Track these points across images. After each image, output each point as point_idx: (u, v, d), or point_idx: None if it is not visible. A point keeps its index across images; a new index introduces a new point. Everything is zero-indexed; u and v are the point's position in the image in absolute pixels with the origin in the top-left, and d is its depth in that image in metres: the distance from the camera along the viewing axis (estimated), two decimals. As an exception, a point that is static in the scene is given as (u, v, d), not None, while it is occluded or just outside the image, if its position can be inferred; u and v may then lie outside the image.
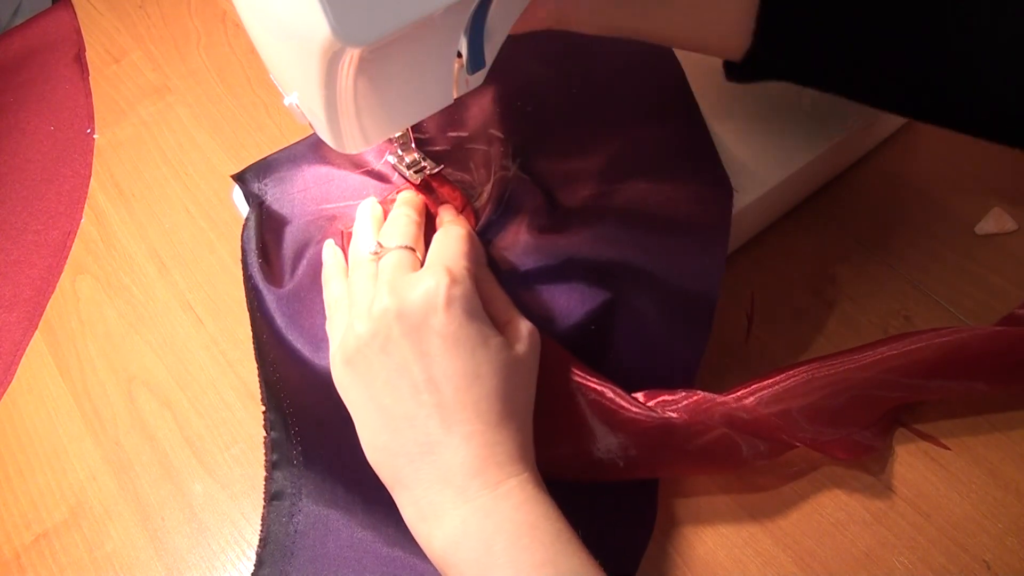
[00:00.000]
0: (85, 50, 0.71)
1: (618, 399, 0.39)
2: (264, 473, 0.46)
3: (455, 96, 0.38)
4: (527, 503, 0.33)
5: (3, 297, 0.57)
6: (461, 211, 0.44)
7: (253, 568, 0.43)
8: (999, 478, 0.42)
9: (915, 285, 0.49)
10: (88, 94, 0.68)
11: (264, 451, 0.46)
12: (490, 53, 0.36)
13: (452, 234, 0.39)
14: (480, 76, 0.37)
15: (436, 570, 0.39)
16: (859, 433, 0.42)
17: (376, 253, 0.39)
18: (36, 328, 0.55)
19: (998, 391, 0.43)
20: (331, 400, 0.40)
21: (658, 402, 0.40)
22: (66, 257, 0.58)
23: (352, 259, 0.41)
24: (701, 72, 0.49)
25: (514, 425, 0.35)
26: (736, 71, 0.42)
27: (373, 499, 0.43)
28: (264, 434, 0.46)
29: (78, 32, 0.72)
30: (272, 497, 0.44)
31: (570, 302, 0.41)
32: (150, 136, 0.64)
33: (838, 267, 0.51)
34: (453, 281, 0.35)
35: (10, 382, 0.53)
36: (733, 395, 0.41)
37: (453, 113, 0.48)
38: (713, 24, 0.39)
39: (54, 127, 0.66)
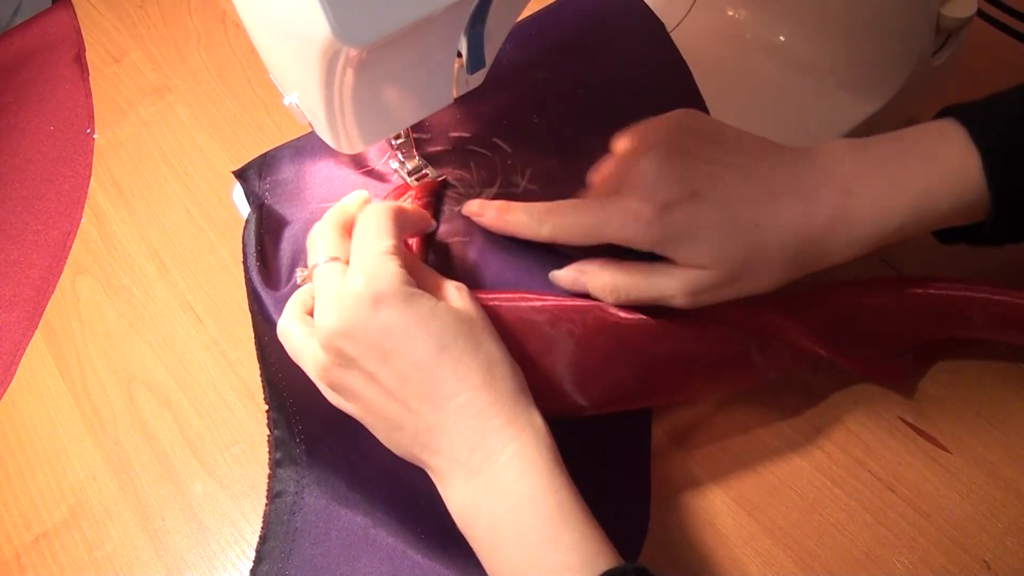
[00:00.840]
0: (85, 50, 0.71)
1: (606, 308, 0.38)
2: (264, 473, 0.46)
3: (455, 96, 0.37)
4: (527, 474, 0.33)
5: (3, 297, 0.57)
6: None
7: (252, 564, 0.43)
8: (999, 478, 0.42)
9: (915, 285, 0.49)
10: (88, 94, 0.68)
11: (268, 449, 0.46)
12: (490, 53, 0.36)
13: (363, 219, 0.37)
14: (480, 76, 0.37)
15: (439, 566, 0.39)
16: (887, 356, 0.41)
17: (303, 279, 0.38)
18: (36, 328, 0.55)
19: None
20: None
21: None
22: (66, 257, 0.58)
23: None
24: (704, 70, 0.49)
25: (498, 376, 0.34)
26: (969, 235, 0.39)
27: (376, 496, 0.43)
28: (268, 432, 0.46)
29: (78, 32, 0.72)
30: (275, 495, 0.44)
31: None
32: (150, 136, 0.64)
33: (838, 267, 0.51)
34: (370, 278, 0.34)
35: (10, 382, 0.53)
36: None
37: (455, 114, 0.48)
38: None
39: (54, 127, 0.66)
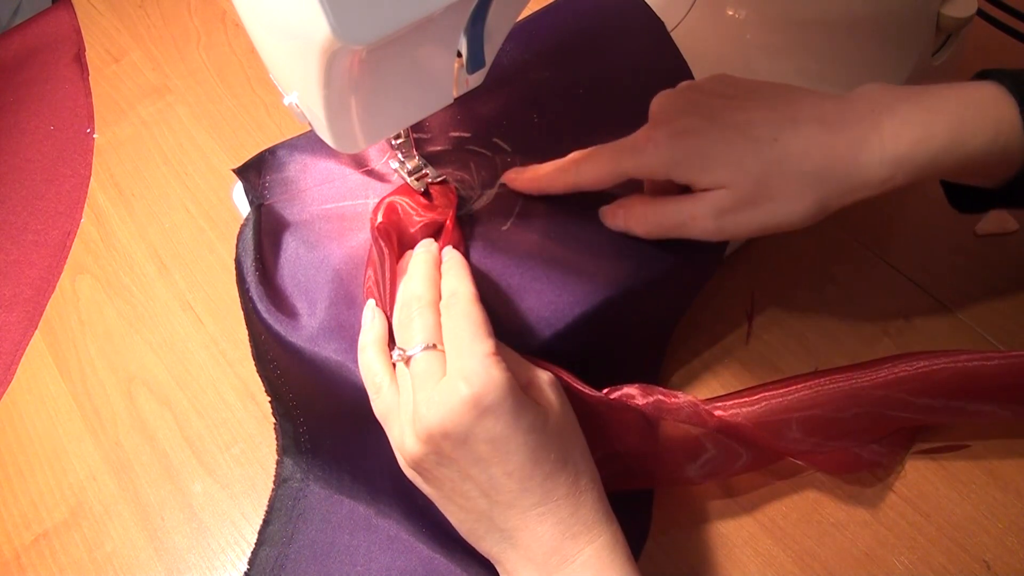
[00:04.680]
0: (85, 50, 0.71)
1: (639, 399, 0.39)
2: (264, 473, 0.46)
3: (455, 96, 0.38)
4: (602, 573, 0.34)
5: (3, 297, 0.57)
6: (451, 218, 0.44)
7: (253, 547, 0.43)
8: (999, 478, 0.42)
9: (915, 285, 0.49)
10: (88, 94, 0.68)
11: (275, 436, 0.46)
12: (490, 53, 0.36)
13: (458, 313, 0.36)
14: (480, 76, 0.37)
15: (439, 558, 0.39)
16: (863, 447, 0.41)
17: (401, 360, 0.37)
18: (36, 328, 0.55)
19: (1018, 416, 0.41)
20: (333, 396, 0.40)
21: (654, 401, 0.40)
22: (66, 257, 0.58)
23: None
24: (704, 70, 0.49)
25: (582, 484, 0.35)
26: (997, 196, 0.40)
27: (378, 489, 0.43)
28: (273, 421, 0.46)
29: (78, 32, 0.72)
30: (282, 480, 0.45)
31: (572, 298, 0.41)
32: (150, 136, 0.64)
33: (838, 267, 0.51)
34: (477, 385, 0.33)
35: (10, 382, 0.53)
36: (729, 401, 0.41)
37: (455, 114, 0.48)
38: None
39: (54, 127, 0.66)
